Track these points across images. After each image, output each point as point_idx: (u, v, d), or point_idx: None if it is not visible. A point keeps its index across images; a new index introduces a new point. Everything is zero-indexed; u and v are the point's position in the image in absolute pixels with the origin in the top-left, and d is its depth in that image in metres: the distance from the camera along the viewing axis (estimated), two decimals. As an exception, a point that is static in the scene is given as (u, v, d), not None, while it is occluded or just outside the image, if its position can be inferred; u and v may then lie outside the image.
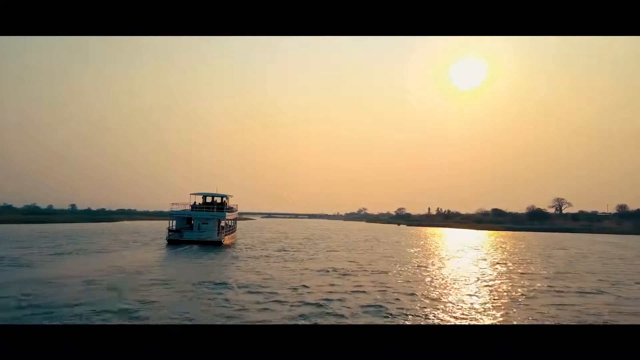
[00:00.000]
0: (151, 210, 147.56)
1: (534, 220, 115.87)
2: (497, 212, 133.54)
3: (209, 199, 44.19)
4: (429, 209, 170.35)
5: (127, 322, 12.44)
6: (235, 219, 50.04)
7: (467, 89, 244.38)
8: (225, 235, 41.76)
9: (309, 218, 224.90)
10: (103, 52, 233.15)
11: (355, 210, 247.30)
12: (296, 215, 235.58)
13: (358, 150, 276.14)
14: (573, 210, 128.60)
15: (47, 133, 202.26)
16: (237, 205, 48.92)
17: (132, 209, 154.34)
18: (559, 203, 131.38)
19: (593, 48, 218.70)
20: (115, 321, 12.69)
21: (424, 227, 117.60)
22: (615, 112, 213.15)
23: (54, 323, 11.93)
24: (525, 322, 14.08)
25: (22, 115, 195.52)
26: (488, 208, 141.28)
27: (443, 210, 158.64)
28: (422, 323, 13.69)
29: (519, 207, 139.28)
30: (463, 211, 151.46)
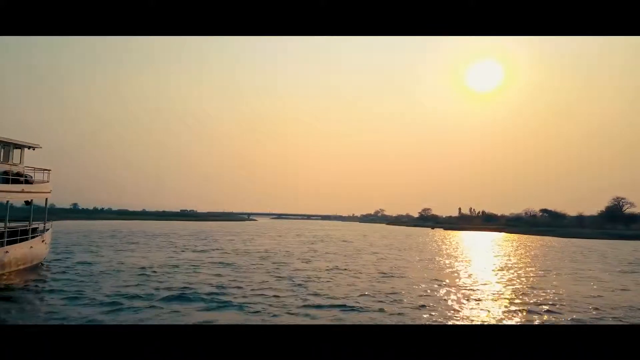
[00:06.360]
0: (152, 209, 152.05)
1: (617, 223, 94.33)
2: (553, 214, 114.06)
3: None
4: (459, 209, 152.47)
5: (126, 323, 11.96)
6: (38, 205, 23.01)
7: (482, 90, 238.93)
8: None
9: (322, 219, 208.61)
10: (107, 52, 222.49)
11: (372, 212, 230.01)
12: (309, 217, 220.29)
13: (373, 151, 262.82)
14: (635, 211, 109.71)
15: (49, 132, 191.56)
16: (48, 172, 23.43)
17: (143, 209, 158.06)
18: (619, 203, 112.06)
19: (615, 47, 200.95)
20: (114, 322, 12.01)
21: (465, 231, 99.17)
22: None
23: (54, 323, 11.45)
24: (525, 322, 13.26)
25: (25, 115, 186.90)
26: (535, 209, 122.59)
27: (477, 211, 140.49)
28: (422, 323, 12.86)
29: (551, 206, 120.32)
30: (494, 211, 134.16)
